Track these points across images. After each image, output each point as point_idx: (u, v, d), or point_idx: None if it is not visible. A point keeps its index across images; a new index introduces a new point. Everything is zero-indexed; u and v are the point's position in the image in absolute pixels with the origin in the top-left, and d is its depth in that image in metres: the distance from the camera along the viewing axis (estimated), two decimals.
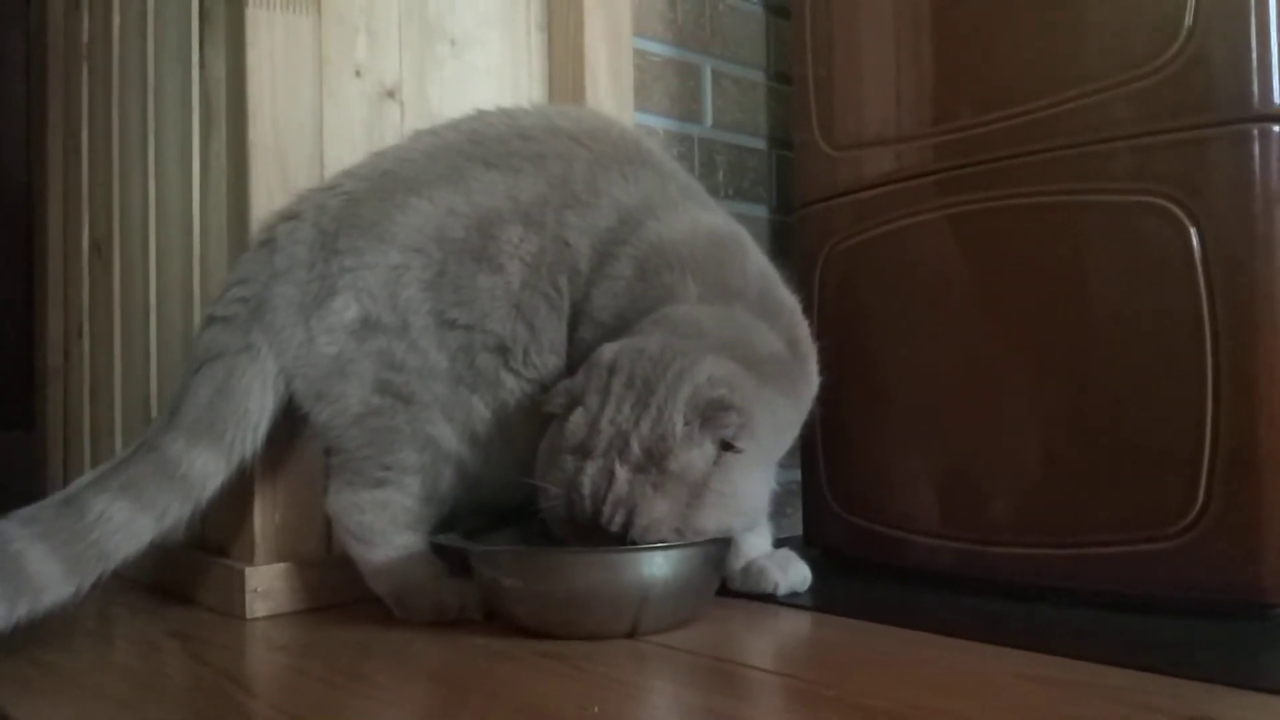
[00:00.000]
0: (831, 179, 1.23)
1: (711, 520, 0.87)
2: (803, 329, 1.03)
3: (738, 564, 1.04)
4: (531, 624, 0.88)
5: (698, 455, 0.86)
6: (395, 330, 0.96)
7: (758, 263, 1.04)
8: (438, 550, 0.98)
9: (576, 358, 0.96)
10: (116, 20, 1.33)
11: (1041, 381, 1.02)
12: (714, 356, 0.89)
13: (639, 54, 1.38)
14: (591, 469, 0.85)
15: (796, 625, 0.96)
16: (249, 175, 1.02)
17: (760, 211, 1.54)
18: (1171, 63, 0.93)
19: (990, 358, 1.06)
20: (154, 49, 1.23)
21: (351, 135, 1.10)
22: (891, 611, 0.96)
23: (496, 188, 1.00)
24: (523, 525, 0.95)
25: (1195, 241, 0.92)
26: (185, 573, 1.08)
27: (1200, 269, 0.91)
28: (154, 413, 1.20)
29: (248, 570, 0.99)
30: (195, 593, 1.07)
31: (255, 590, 0.99)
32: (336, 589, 1.02)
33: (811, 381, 1.02)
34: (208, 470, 0.93)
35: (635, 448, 0.84)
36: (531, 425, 0.94)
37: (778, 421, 0.96)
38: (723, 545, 0.92)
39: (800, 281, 1.13)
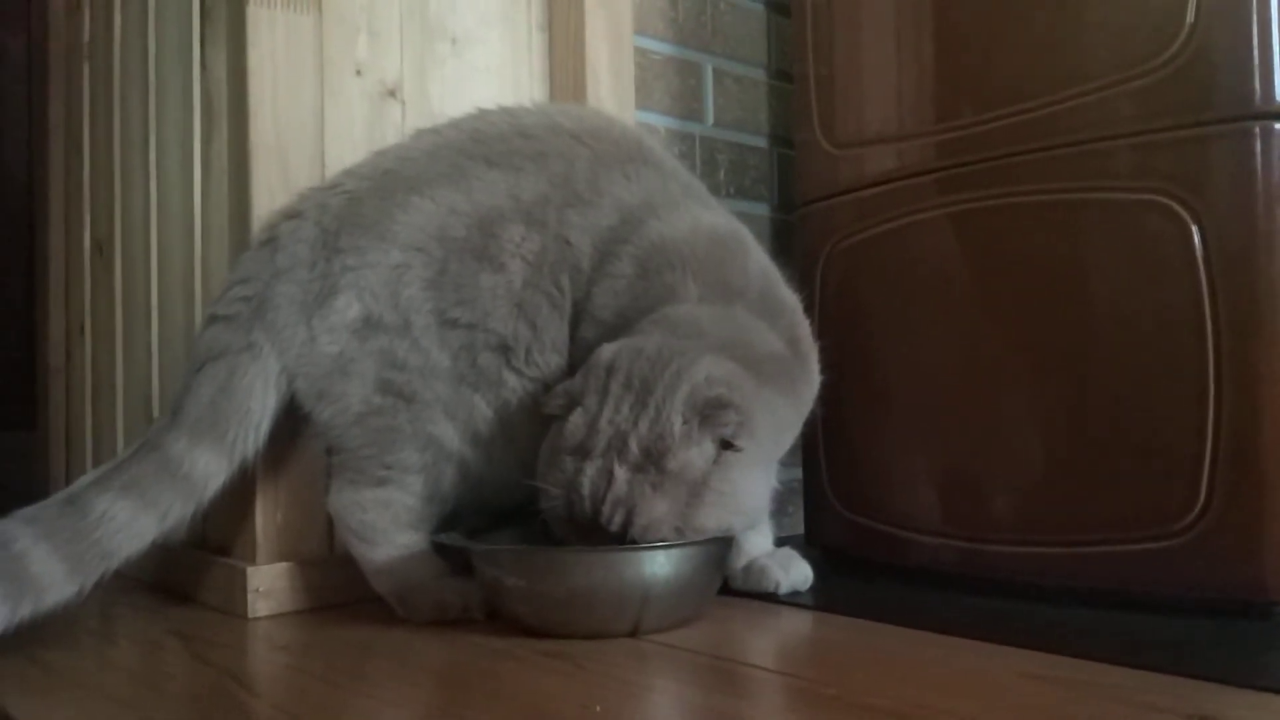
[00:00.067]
0: (833, 177, 1.23)
1: (711, 519, 0.87)
2: (804, 328, 1.03)
3: (739, 563, 1.04)
4: (533, 623, 0.88)
5: (696, 454, 0.86)
6: (397, 329, 0.96)
7: (759, 262, 1.04)
8: (440, 549, 0.98)
9: (578, 356, 0.96)
10: (118, 20, 1.33)
11: (1043, 380, 1.02)
12: (712, 356, 0.89)
13: (640, 52, 1.38)
14: (590, 469, 0.85)
15: (798, 624, 0.96)
16: (250, 174, 1.02)
17: (761, 210, 1.54)
18: (1173, 60, 0.93)
19: (992, 356, 1.06)
20: (155, 48, 1.23)
21: (352, 134, 1.10)
22: (893, 610, 0.96)
23: (498, 186, 1.00)
24: (524, 524, 0.95)
25: (1197, 239, 0.91)
26: (187, 572, 1.08)
27: (1202, 267, 0.91)
28: (156, 412, 1.20)
29: (249, 570, 0.99)
30: (197, 592, 1.07)
31: (257, 590, 0.99)
32: (338, 588, 1.02)
33: (812, 381, 1.02)
34: (210, 470, 0.93)
35: (634, 447, 0.84)
36: (533, 424, 0.94)
37: (777, 420, 0.96)
38: (724, 544, 0.92)
39: (801, 280, 1.13)
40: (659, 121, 1.42)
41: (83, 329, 1.43)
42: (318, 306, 0.96)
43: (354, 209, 0.98)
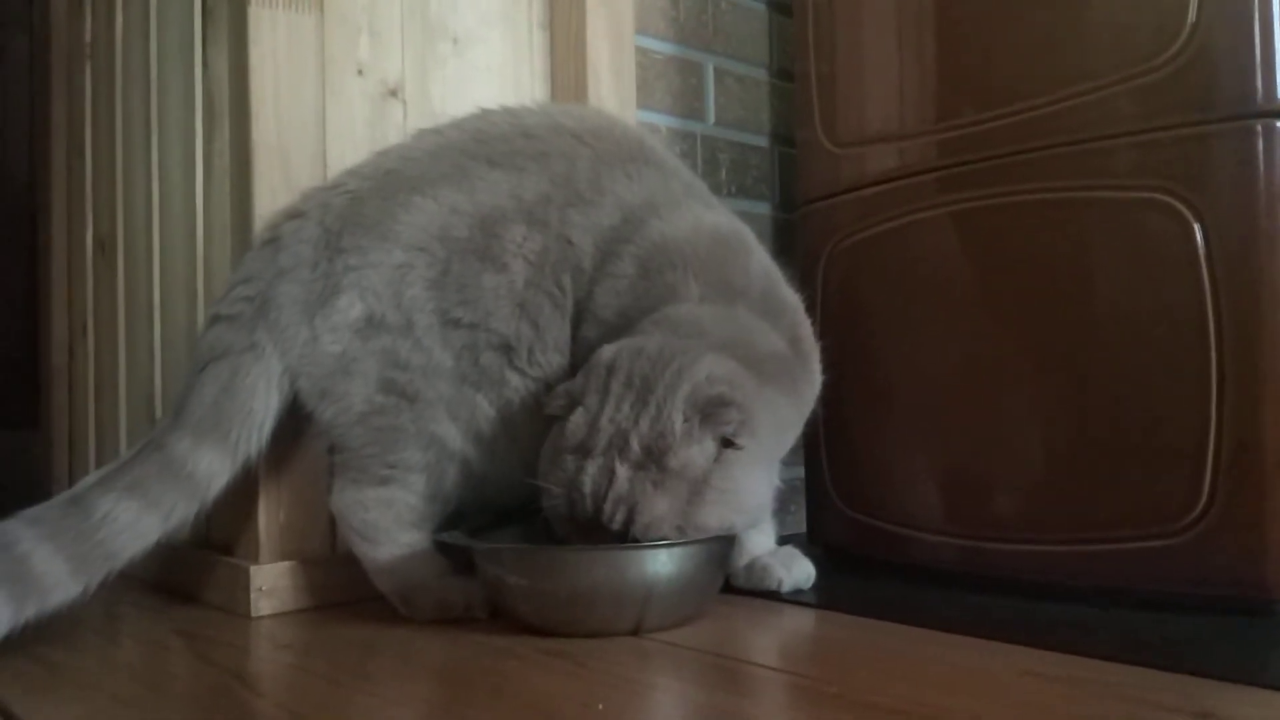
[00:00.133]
0: (834, 176, 1.23)
1: (713, 517, 0.87)
2: (805, 328, 1.03)
3: (741, 561, 1.04)
4: (536, 622, 0.88)
5: (698, 452, 0.86)
6: (399, 329, 0.96)
7: (760, 261, 1.04)
8: (442, 548, 0.98)
9: (580, 356, 0.96)
10: (119, 20, 1.33)
11: (1044, 378, 1.02)
12: (714, 355, 0.89)
13: (641, 52, 1.38)
14: (592, 468, 0.85)
15: (800, 622, 0.97)
16: (252, 174, 1.02)
17: (763, 209, 1.54)
18: (1175, 59, 0.93)
19: (993, 354, 1.06)
20: (157, 48, 1.23)
21: (354, 134, 1.10)
22: (895, 608, 0.96)
23: (500, 186, 1.00)
24: (527, 523, 0.95)
25: (1199, 237, 0.91)
26: (190, 571, 1.09)
27: (1204, 265, 0.91)
28: (158, 411, 1.20)
29: (253, 569, 0.99)
30: (200, 591, 1.07)
31: (260, 589, 0.99)
32: (341, 587, 1.03)
33: (814, 380, 1.02)
34: (213, 469, 0.94)
35: (635, 445, 0.85)
36: (536, 424, 0.94)
37: (779, 419, 0.96)
38: (726, 543, 0.93)
39: (803, 279, 1.13)
40: (660, 121, 1.42)
41: (85, 328, 1.43)
42: (320, 306, 0.96)
43: (357, 209, 0.98)
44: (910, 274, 1.14)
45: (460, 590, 0.94)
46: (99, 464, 1.18)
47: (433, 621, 0.93)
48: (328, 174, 1.06)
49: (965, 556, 1.07)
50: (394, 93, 1.14)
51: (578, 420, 0.87)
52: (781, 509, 1.09)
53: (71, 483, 0.93)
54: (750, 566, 1.04)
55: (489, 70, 1.23)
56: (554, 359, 0.99)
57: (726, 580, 1.00)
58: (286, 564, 1.01)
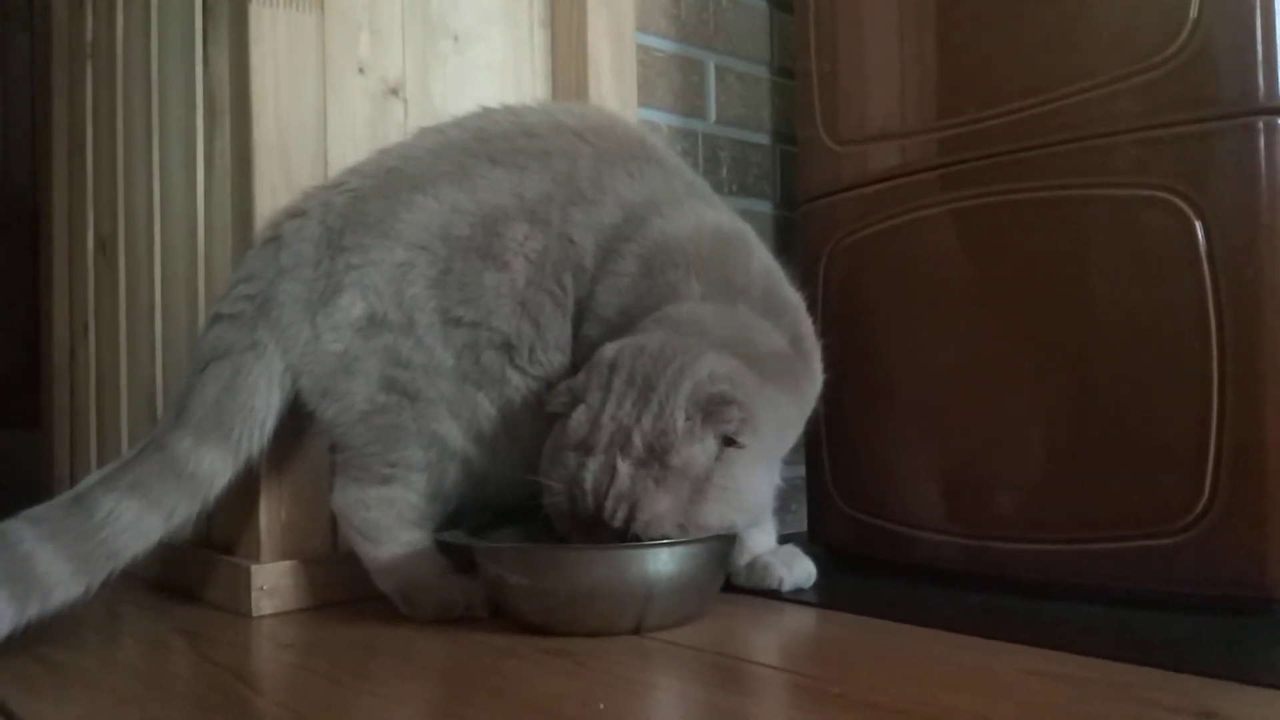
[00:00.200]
0: (835, 174, 1.23)
1: (714, 515, 0.87)
2: (806, 326, 1.03)
3: (742, 560, 1.04)
4: (537, 621, 0.88)
5: (699, 450, 0.86)
6: (401, 327, 0.96)
7: (762, 260, 1.04)
8: (443, 547, 0.98)
9: (581, 355, 0.96)
10: (120, 19, 1.33)
11: (1045, 376, 1.01)
12: (715, 353, 0.89)
13: (642, 50, 1.38)
14: (594, 464, 0.85)
15: (801, 621, 0.96)
16: (253, 172, 1.02)
17: (764, 207, 1.54)
18: (1176, 56, 0.93)
19: (994, 353, 1.05)
20: (158, 47, 1.23)
21: (355, 133, 1.10)
22: (897, 607, 0.96)
23: (502, 185, 1.00)
24: (528, 522, 0.95)
25: (1200, 235, 0.91)
26: (192, 570, 1.09)
27: (1205, 263, 0.91)
28: (159, 411, 1.20)
29: (254, 568, 0.99)
30: (202, 590, 1.07)
31: (261, 588, 0.99)
32: (342, 586, 1.03)
33: (815, 379, 1.02)
34: (215, 468, 0.94)
35: (637, 443, 0.85)
36: (537, 423, 0.94)
37: (780, 418, 0.96)
38: (727, 542, 0.92)
39: (804, 277, 1.13)
40: (661, 119, 1.42)
41: (86, 328, 1.43)
42: (322, 305, 0.96)
43: (358, 207, 0.98)
44: (911, 272, 1.14)
45: (461, 589, 0.94)
46: (100, 464, 1.18)
47: (434, 620, 0.93)
48: (329, 172, 1.06)
49: (967, 555, 1.07)
50: (395, 91, 1.14)
51: (580, 417, 0.87)
52: (783, 508, 1.09)
53: (73, 482, 0.93)
54: (751, 565, 1.04)
55: (490, 68, 1.23)
56: (555, 358, 0.98)
57: (727, 579, 1.00)
58: (288, 563, 1.01)
